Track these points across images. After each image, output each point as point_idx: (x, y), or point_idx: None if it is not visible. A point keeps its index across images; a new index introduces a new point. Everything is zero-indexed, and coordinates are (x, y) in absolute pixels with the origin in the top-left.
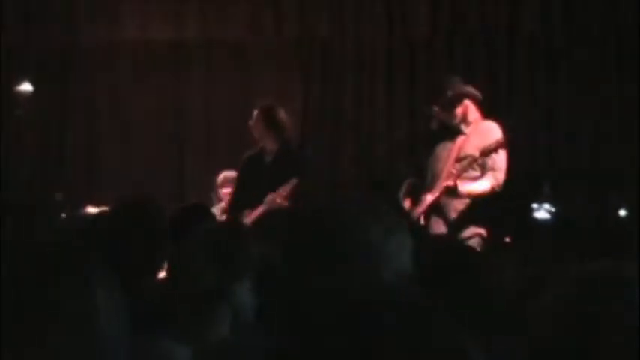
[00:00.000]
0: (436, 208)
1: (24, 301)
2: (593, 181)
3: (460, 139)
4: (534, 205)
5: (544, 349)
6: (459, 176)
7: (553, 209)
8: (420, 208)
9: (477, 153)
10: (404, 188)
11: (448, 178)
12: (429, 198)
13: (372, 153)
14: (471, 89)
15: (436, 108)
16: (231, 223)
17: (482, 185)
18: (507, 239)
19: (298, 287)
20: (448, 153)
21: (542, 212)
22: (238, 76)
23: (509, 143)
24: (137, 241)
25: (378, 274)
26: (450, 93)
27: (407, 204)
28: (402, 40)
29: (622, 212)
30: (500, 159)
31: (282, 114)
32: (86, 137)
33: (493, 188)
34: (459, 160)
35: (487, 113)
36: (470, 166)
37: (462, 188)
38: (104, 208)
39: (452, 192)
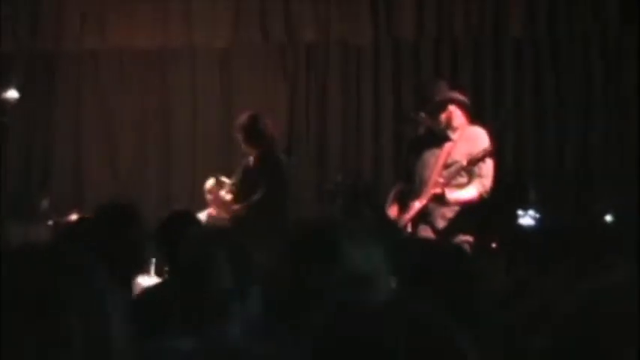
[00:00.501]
0: (424, 215)
1: (28, 306)
2: (580, 186)
3: (447, 146)
4: (519, 212)
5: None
6: (447, 184)
7: (538, 215)
8: (408, 215)
9: (464, 159)
10: (392, 194)
11: (436, 185)
12: (417, 205)
13: (359, 158)
14: (456, 95)
15: (423, 114)
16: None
17: (470, 192)
18: (494, 245)
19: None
20: (435, 159)
21: (527, 218)
22: (224, 83)
23: (495, 148)
24: (119, 245)
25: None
26: (435, 98)
27: (394, 209)
28: (387, 45)
29: (608, 217)
30: (487, 166)
31: (262, 123)
32: (72, 144)
33: (480, 195)
34: (446, 166)
35: (473, 118)
36: (457, 174)
37: (450, 195)
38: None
39: (440, 199)
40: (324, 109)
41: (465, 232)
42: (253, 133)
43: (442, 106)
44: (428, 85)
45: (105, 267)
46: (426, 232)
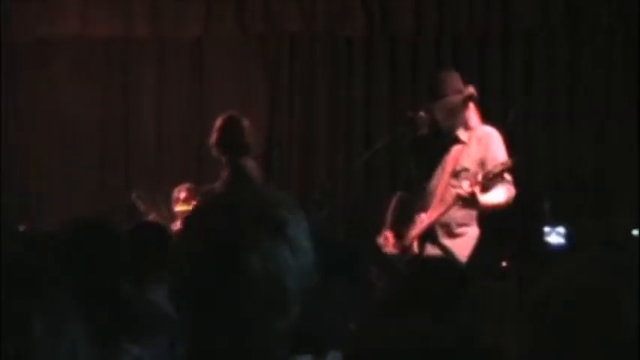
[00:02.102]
0: (430, 232)
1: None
2: (598, 195)
3: (455, 150)
4: (546, 229)
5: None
6: (482, 185)
7: (567, 232)
8: (414, 232)
9: (475, 166)
10: (392, 205)
11: (443, 195)
12: (425, 219)
13: (349, 163)
14: (470, 89)
15: (422, 113)
16: None
17: (499, 196)
18: (504, 264)
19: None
20: (442, 166)
21: (555, 236)
22: (194, 78)
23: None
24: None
25: None
26: (448, 92)
27: (391, 219)
28: (382, 38)
29: (635, 232)
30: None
31: (241, 127)
32: (20, 146)
33: (507, 201)
34: (455, 173)
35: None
36: (499, 177)
37: (482, 198)
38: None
39: (470, 201)
40: (310, 108)
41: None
42: (227, 137)
43: (465, 104)
44: (438, 76)
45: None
46: (434, 250)
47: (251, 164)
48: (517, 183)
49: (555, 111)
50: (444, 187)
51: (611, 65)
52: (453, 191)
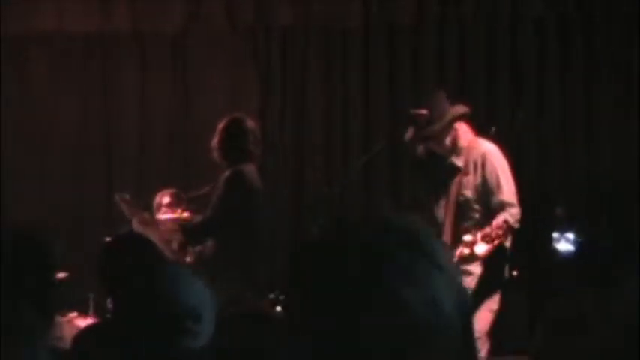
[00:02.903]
0: None
1: None
2: (613, 200)
3: (455, 180)
4: (554, 235)
5: None
6: (475, 243)
7: (576, 238)
8: None
9: (474, 193)
10: None
11: (453, 232)
12: None
13: (345, 166)
14: (459, 109)
15: (424, 111)
16: None
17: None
18: (515, 273)
19: None
20: (447, 198)
21: (564, 243)
22: (179, 76)
23: (513, 159)
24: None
25: None
26: (437, 124)
27: None
28: (380, 28)
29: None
30: (507, 192)
31: (248, 127)
32: None
33: (512, 229)
34: (458, 204)
35: (486, 121)
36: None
37: (480, 251)
38: None
39: (470, 259)
40: (303, 107)
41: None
42: (228, 141)
43: (448, 129)
44: (421, 99)
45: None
46: None
47: (250, 170)
48: (528, 187)
49: (570, 107)
50: (451, 218)
51: (629, 57)
52: (457, 251)
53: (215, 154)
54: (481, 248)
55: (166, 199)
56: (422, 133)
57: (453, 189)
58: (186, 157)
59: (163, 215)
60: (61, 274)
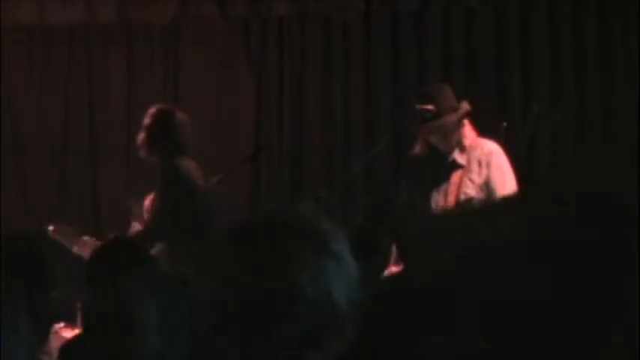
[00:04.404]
0: None
1: None
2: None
3: (455, 176)
4: None
5: None
6: None
7: None
8: None
9: (479, 193)
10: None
11: None
12: None
13: (347, 166)
14: (466, 106)
15: (430, 107)
16: None
17: None
18: None
19: None
20: (445, 197)
21: None
22: (168, 69)
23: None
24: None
25: None
26: (451, 116)
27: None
28: (382, 17)
29: None
30: (508, 183)
31: (178, 118)
32: None
33: None
34: (459, 203)
35: (497, 117)
36: None
37: None
38: None
39: None
40: (301, 103)
41: None
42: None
43: (458, 125)
44: (428, 94)
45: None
46: None
47: (190, 165)
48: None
49: (587, 100)
50: None
51: None
52: None
53: (144, 151)
54: None
55: (148, 202)
56: (429, 126)
57: (454, 187)
58: None
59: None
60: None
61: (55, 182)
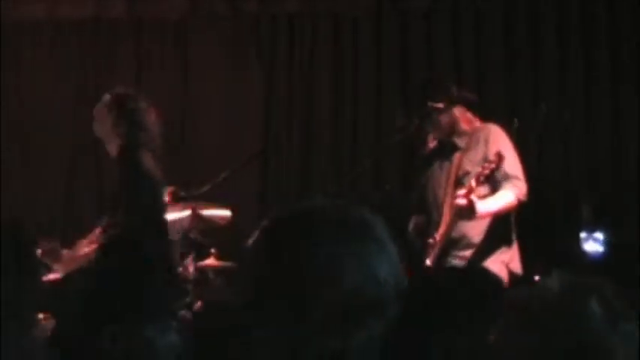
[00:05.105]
0: (444, 255)
1: None
2: None
3: (457, 156)
4: (582, 235)
5: None
6: (471, 191)
7: (605, 239)
8: (430, 259)
9: (478, 169)
10: (411, 229)
11: (450, 207)
12: (432, 242)
13: (356, 163)
14: (463, 92)
15: (415, 121)
16: None
17: (505, 197)
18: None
19: None
20: (446, 174)
21: (592, 243)
22: (178, 65)
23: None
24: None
25: None
26: (437, 105)
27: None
28: (393, 14)
29: None
30: (513, 163)
31: (142, 106)
32: None
33: (519, 199)
34: (457, 181)
35: (507, 115)
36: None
37: (481, 207)
38: None
39: (467, 213)
40: (311, 100)
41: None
42: (124, 117)
43: (449, 109)
44: (416, 88)
45: None
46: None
47: (149, 161)
48: (552, 184)
49: (595, 99)
50: (450, 198)
51: None
52: (454, 202)
53: (103, 135)
54: (480, 202)
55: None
56: (424, 116)
57: (453, 167)
58: (185, 153)
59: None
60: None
61: (63, 177)
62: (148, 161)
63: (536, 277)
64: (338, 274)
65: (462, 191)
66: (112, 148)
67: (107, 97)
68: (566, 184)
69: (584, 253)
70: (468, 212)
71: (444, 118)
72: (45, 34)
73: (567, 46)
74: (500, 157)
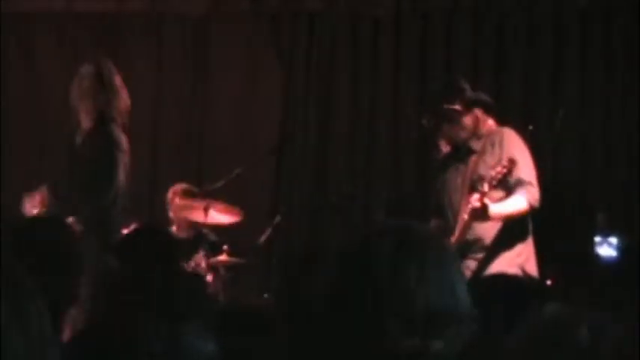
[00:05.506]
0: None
1: None
2: None
3: (472, 159)
4: (596, 239)
5: None
6: (484, 195)
7: (620, 243)
8: None
9: (491, 172)
10: None
11: (466, 206)
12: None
13: (373, 162)
14: (481, 95)
15: (458, 107)
16: None
17: (517, 202)
18: (549, 282)
19: None
20: (462, 178)
21: (606, 247)
22: (198, 62)
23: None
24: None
25: None
26: (454, 105)
27: None
28: (412, 15)
29: None
30: (527, 169)
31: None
32: None
33: (530, 205)
34: (472, 184)
35: (524, 120)
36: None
37: (494, 209)
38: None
39: (481, 215)
40: (329, 99)
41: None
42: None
43: (466, 110)
44: (435, 88)
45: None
46: (468, 272)
47: (122, 138)
48: (568, 189)
49: (613, 105)
50: (465, 202)
51: None
52: (469, 206)
53: (80, 105)
54: (494, 205)
55: (178, 196)
56: (440, 115)
57: (468, 170)
58: (203, 150)
59: (175, 213)
60: None
61: None
62: (123, 141)
63: (549, 282)
64: (424, 289)
65: (476, 195)
66: (86, 118)
67: (89, 67)
68: (580, 188)
69: (598, 258)
70: (482, 214)
71: (467, 120)
72: (64, 28)
73: (588, 51)
74: (512, 162)
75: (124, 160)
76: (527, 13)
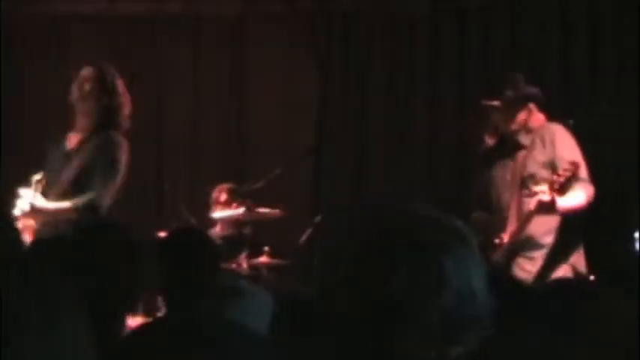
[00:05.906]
0: (512, 253)
1: None
2: None
3: (520, 156)
4: (636, 235)
5: None
6: (554, 189)
7: None
8: (497, 255)
9: (542, 170)
10: (472, 225)
11: (518, 208)
12: (505, 239)
13: (410, 156)
14: (534, 90)
15: (495, 102)
16: None
17: (578, 197)
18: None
19: None
20: (511, 177)
21: None
22: (235, 63)
23: (587, 153)
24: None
25: None
26: (510, 94)
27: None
28: (449, 14)
29: None
30: (581, 168)
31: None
32: (18, 134)
33: (588, 200)
34: (523, 181)
35: (564, 114)
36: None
37: (561, 203)
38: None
39: (548, 208)
40: (365, 99)
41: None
42: (106, 90)
43: (521, 102)
44: (494, 76)
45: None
46: (523, 273)
47: (124, 142)
48: (604, 184)
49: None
50: (517, 198)
51: None
52: (531, 200)
53: (83, 105)
54: (560, 199)
55: (223, 196)
56: (492, 104)
57: (518, 166)
58: (241, 149)
59: (219, 213)
60: None
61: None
62: (123, 145)
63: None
64: (442, 286)
65: (545, 187)
66: (85, 121)
67: (90, 70)
68: (621, 182)
69: (636, 253)
70: (550, 207)
71: (521, 114)
72: (103, 29)
73: (624, 45)
74: (576, 165)
75: (123, 165)
76: (563, 10)
